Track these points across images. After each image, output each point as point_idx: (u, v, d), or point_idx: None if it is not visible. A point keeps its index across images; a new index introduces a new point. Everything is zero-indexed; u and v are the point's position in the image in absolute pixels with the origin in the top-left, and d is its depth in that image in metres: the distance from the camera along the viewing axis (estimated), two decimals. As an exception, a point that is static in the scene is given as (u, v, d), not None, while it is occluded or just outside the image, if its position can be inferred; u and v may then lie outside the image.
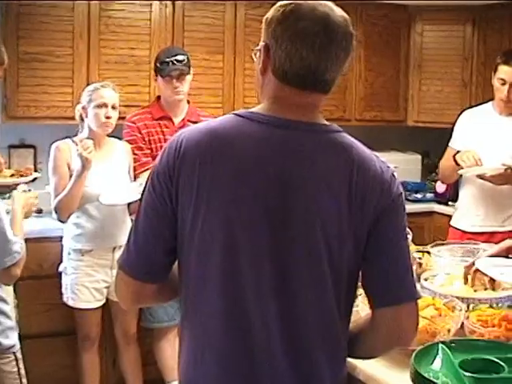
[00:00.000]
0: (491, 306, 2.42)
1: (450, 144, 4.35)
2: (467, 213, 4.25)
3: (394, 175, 1.69)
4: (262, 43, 1.67)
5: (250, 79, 4.87)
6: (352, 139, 1.69)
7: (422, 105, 5.68)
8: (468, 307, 2.41)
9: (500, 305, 2.44)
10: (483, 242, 3.99)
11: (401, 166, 5.53)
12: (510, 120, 4.13)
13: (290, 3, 1.63)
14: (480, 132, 4.17)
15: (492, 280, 2.54)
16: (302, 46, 1.59)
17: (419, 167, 5.84)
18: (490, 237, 4.13)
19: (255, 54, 1.72)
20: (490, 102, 4.25)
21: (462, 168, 4.02)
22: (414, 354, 1.97)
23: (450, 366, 1.96)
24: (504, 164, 3.92)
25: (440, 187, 5.44)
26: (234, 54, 4.93)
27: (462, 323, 2.28)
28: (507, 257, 2.67)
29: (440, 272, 2.73)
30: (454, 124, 4.40)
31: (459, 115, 4.44)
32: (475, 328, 2.23)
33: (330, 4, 1.66)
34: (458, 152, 4.12)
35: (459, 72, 5.54)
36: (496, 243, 3.92)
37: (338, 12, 1.65)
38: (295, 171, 1.59)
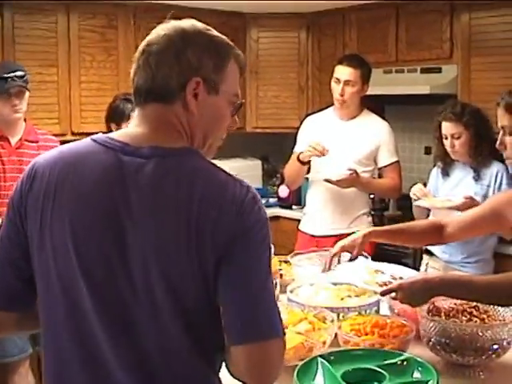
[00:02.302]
0: (360, 314, 2.44)
1: (294, 149, 4.41)
2: (315, 217, 4.33)
3: (254, 199, 1.53)
4: None
5: (87, 92, 4.73)
6: (202, 162, 1.57)
7: (259, 111, 5.72)
8: (338, 316, 2.41)
9: (368, 311, 2.47)
10: (331, 245, 4.10)
11: (242, 172, 5.51)
12: (350, 124, 4.26)
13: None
14: (323, 137, 4.24)
15: None
16: (136, 66, 1.61)
17: (260, 172, 5.88)
18: (337, 240, 4.21)
19: None
20: (331, 107, 4.36)
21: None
22: (295, 372, 1.96)
23: (333, 379, 1.96)
24: (350, 169, 4.02)
25: (283, 192, 5.49)
26: (69, 67, 4.72)
27: (335, 334, 2.28)
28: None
29: (304, 283, 2.73)
30: (296, 129, 4.48)
31: (302, 122, 4.52)
32: (349, 338, 2.24)
33: (173, 24, 1.62)
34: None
35: (295, 77, 5.63)
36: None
37: (169, 27, 1.62)
38: (131, 201, 1.49)
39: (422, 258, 4.21)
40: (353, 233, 4.17)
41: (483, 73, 4.47)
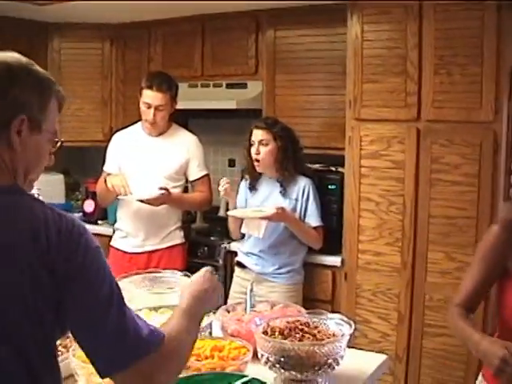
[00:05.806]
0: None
1: (104, 168, 4.34)
2: (128, 234, 4.27)
3: (78, 231, 1.53)
4: None
5: None
6: (27, 200, 1.55)
7: (62, 124, 5.45)
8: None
9: (203, 333, 2.48)
10: (144, 262, 4.10)
11: (44, 187, 5.32)
12: (159, 139, 4.25)
13: None
14: (132, 154, 4.24)
15: None
16: None
17: (62, 187, 5.66)
18: (149, 255, 4.22)
19: None
20: (139, 123, 4.32)
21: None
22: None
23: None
24: (161, 188, 4.01)
25: (88, 206, 5.37)
26: None
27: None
28: None
29: (140, 307, 2.66)
30: (100, 142, 4.49)
31: (110, 137, 4.47)
32: (191, 363, 2.24)
33: None
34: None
35: (99, 90, 5.50)
36: (157, 262, 4.06)
37: None
38: None
39: (233, 270, 4.29)
40: (166, 247, 4.23)
41: (287, 89, 4.64)
